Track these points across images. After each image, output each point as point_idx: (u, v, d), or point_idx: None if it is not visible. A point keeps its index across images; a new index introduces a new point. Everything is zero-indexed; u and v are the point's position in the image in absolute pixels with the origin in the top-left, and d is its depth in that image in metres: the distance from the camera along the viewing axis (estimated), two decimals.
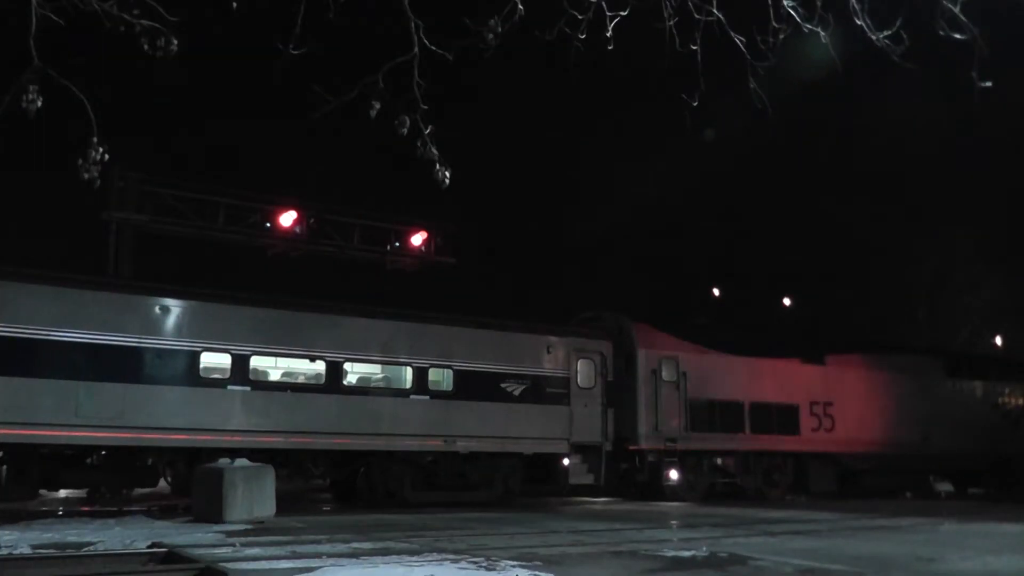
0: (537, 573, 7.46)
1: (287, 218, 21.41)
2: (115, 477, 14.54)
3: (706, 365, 20.70)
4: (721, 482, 21.03)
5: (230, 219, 21.02)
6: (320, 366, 16.00)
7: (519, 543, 9.99)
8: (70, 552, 9.03)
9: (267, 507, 12.99)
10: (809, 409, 22.06)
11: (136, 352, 14.21)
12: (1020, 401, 27.14)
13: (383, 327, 16.77)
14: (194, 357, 14.73)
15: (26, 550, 9.03)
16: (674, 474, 19.73)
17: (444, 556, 8.46)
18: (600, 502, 19.67)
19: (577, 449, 18.65)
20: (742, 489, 21.09)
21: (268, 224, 21.46)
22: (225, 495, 12.41)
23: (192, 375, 14.69)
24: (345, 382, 16.25)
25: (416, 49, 5.94)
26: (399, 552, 8.77)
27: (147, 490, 15.90)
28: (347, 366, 16.32)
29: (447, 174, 6.24)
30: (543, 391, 18.34)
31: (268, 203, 21.58)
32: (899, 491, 24.31)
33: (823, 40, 6.65)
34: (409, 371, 16.89)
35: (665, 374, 20.05)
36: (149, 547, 9.31)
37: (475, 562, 8.00)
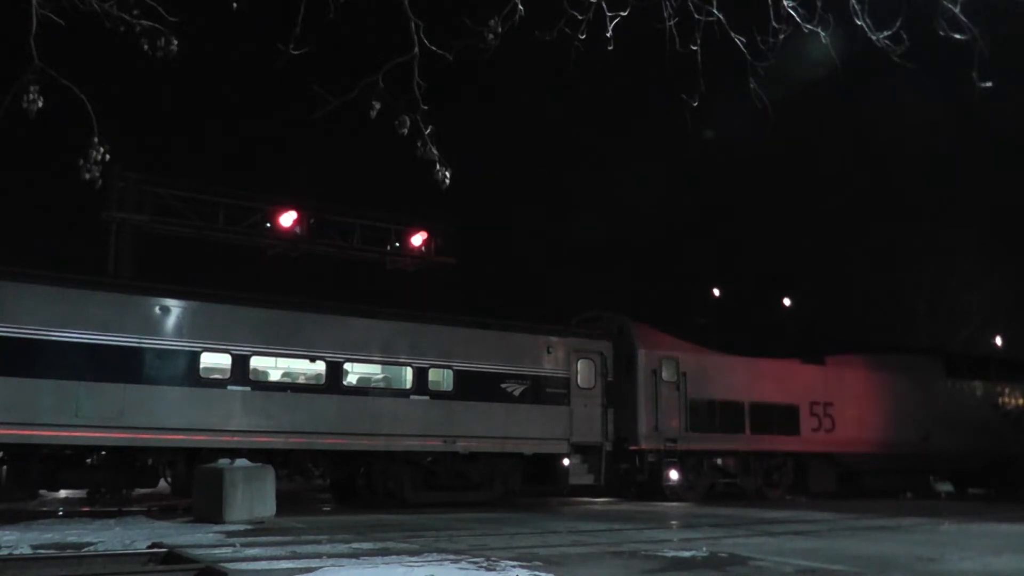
0: (537, 573, 7.46)
1: (287, 218, 21.43)
2: (115, 477, 14.53)
3: (706, 365, 20.69)
4: (721, 482, 21.03)
5: (230, 219, 21.04)
6: (320, 366, 16.00)
7: (519, 543, 9.98)
8: (70, 552, 9.02)
9: (267, 507, 12.99)
10: (809, 409, 22.06)
11: (136, 352, 14.21)
12: (1020, 401, 27.14)
13: (383, 327, 16.76)
14: (194, 357, 14.72)
15: (26, 550, 9.03)
16: (674, 474, 19.72)
17: (444, 556, 8.46)
18: (600, 502, 19.66)
19: (577, 449, 18.65)
20: (742, 489, 21.09)
21: (268, 224, 21.48)
22: (225, 495, 12.41)
23: (192, 375, 14.68)
24: (345, 382, 16.25)
25: (416, 49, 5.94)
26: (399, 552, 8.77)
27: (147, 490, 15.90)
28: (347, 366, 16.31)
29: (447, 174, 6.24)
30: (543, 391, 18.34)
31: (268, 203, 21.60)
32: (899, 491, 24.30)
33: (823, 40, 6.65)
34: (409, 371, 16.89)
35: (665, 374, 20.04)
36: (149, 547, 9.31)
37: (475, 562, 8.00)
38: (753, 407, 21.07)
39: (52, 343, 13.54)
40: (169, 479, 14.96)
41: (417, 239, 23.28)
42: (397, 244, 23.24)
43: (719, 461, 20.91)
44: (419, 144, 6.11)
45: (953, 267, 37.77)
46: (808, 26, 6.56)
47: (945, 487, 27.18)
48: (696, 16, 6.44)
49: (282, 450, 15.32)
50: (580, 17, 6.15)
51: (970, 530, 12.77)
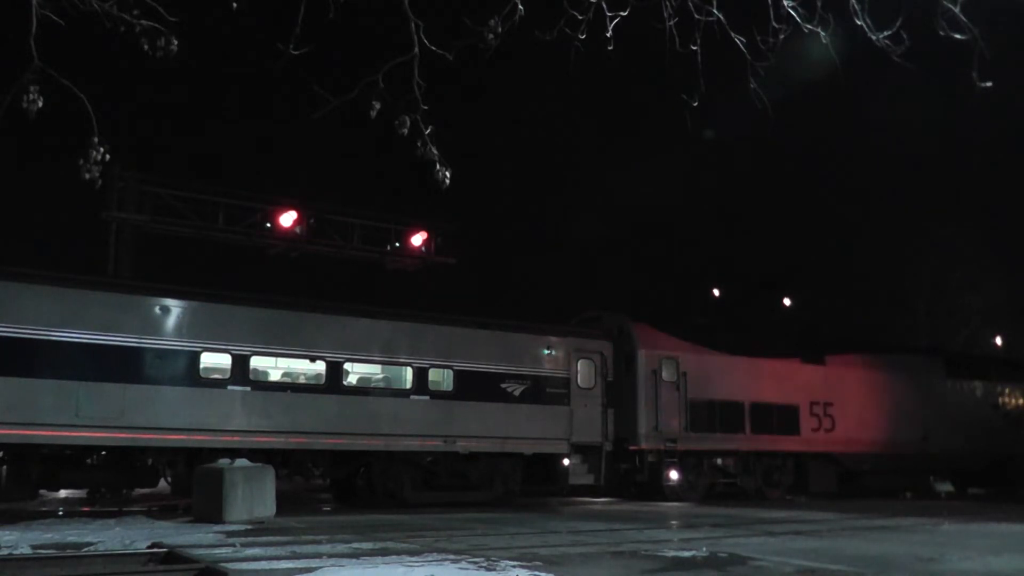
0: (537, 573, 7.46)
1: (287, 218, 21.41)
2: (115, 477, 14.53)
3: (706, 365, 20.69)
4: (721, 482, 21.03)
5: (230, 219, 21.03)
6: (320, 366, 16.00)
7: (519, 543, 9.99)
8: (70, 552, 9.02)
9: (267, 507, 12.99)
10: (809, 409, 22.06)
11: (136, 352, 14.21)
12: (1020, 401, 27.14)
13: (383, 327, 16.77)
14: (194, 357, 14.73)
15: (26, 550, 9.04)
16: (674, 474, 19.73)
17: (444, 556, 8.46)
18: (600, 502, 19.66)
19: (577, 449, 18.65)
20: (742, 489, 21.09)
21: (268, 224, 21.47)
22: (225, 495, 12.41)
23: (192, 375, 14.68)
24: (345, 382, 16.25)
25: (416, 49, 5.94)
26: (399, 552, 8.77)
27: (147, 490, 15.90)
28: (347, 366, 16.32)
29: (447, 174, 6.23)
30: (543, 391, 18.34)
31: (268, 203, 21.59)
32: (899, 491, 24.30)
33: (823, 40, 6.65)
34: (409, 371, 16.89)
35: (665, 374, 20.04)
36: (149, 547, 9.31)
37: (475, 562, 8.00)
38: (753, 407, 21.08)
39: (52, 343, 13.55)
40: (169, 479, 14.96)
41: (417, 239, 23.26)
42: (397, 244, 23.23)
43: (719, 461, 20.90)
44: (419, 144, 6.10)
45: (953, 267, 37.76)
46: (808, 26, 6.55)
47: (945, 487, 27.18)
48: (696, 16, 6.43)
49: (282, 450, 15.32)
50: (580, 17, 6.14)
51: (970, 530, 12.77)
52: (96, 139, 5.48)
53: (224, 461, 13.01)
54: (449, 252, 23.74)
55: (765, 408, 21.27)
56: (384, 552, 8.77)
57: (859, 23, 6.48)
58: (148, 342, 14.35)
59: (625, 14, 6.32)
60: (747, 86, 6.81)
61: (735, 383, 20.96)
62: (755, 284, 41.90)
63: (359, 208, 23.02)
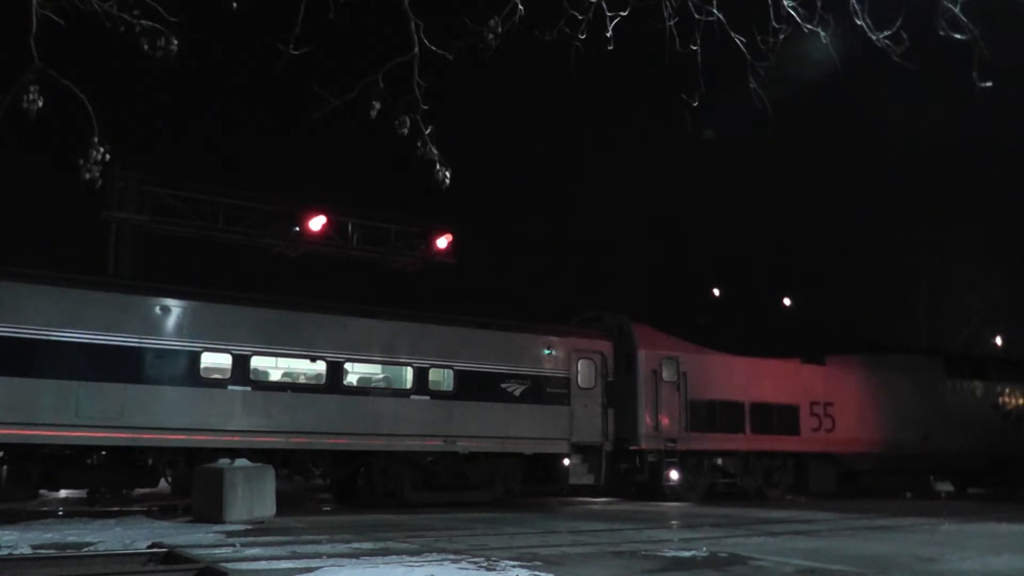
0: (537, 573, 7.46)
1: (287, 218, 21.43)
2: (115, 477, 14.53)
3: (706, 365, 20.69)
4: (721, 482, 21.03)
5: (230, 219, 21.06)
6: (320, 366, 16.00)
7: (519, 543, 9.99)
8: (70, 552, 9.02)
9: (267, 507, 13.00)
10: (809, 409, 22.06)
11: (136, 352, 14.21)
12: (1020, 401, 27.15)
13: (383, 327, 16.76)
14: (194, 357, 14.72)
15: (26, 550, 9.04)
16: (674, 474, 19.72)
17: (444, 556, 8.46)
18: (600, 502, 19.66)
19: (577, 449, 18.65)
20: (742, 489, 21.09)
21: (267, 224, 21.49)
22: (225, 495, 12.41)
23: (192, 375, 14.68)
24: (346, 382, 16.25)
25: (416, 49, 5.93)
26: (399, 552, 8.78)
27: (147, 490, 15.90)
28: (348, 366, 16.32)
29: (447, 174, 6.23)
30: (543, 391, 18.33)
31: (268, 203, 21.61)
32: (899, 491, 24.30)
33: (823, 40, 6.65)
34: (409, 371, 16.89)
35: (665, 374, 20.04)
36: (149, 547, 9.31)
37: (475, 562, 8.01)
38: (753, 407, 21.07)
39: (52, 343, 13.54)
40: (169, 479, 14.96)
41: (418, 240, 23.28)
42: (396, 244, 23.26)
43: (719, 461, 20.90)
44: (419, 144, 6.10)
45: (953, 267, 37.77)
46: (808, 26, 6.55)
47: (945, 487, 27.18)
48: (696, 16, 6.43)
49: (282, 450, 15.32)
50: (580, 17, 6.14)
51: (970, 530, 12.77)
52: (96, 139, 5.48)
53: (224, 461, 13.02)
54: (449, 252, 23.75)
55: (765, 408, 21.27)
56: (384, 552, 8.78)
57: (859, 23, 6.48)
58: (148, 342, 14.35)
59: (625, 14, 6.32)
60: (747, 86, 6.81)
61: (735, 383, 20.96)
62: (755, 284, 41.93)
63: (359, 208, 23.07)
